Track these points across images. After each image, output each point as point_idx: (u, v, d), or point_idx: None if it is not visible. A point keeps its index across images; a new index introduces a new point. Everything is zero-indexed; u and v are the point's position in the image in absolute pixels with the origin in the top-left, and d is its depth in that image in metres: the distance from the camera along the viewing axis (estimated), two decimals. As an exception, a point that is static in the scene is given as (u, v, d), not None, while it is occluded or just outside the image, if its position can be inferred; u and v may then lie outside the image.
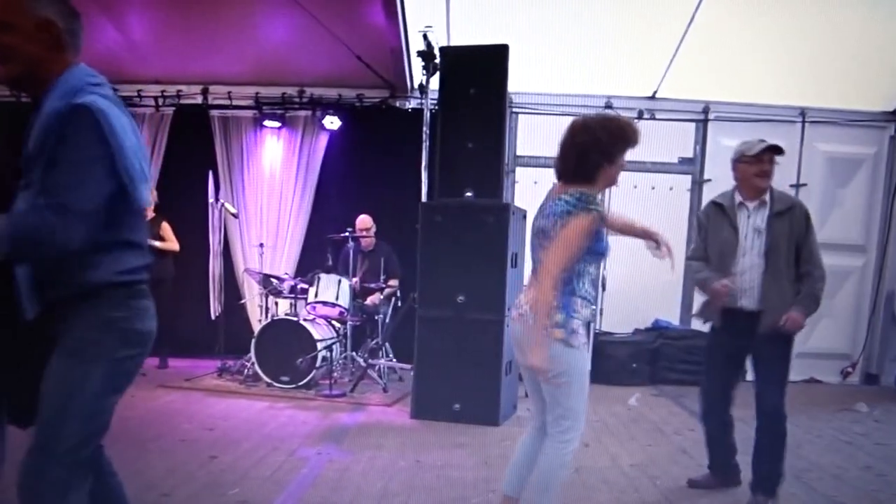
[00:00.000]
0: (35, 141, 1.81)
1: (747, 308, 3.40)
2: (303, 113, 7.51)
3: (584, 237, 2.48)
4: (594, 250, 2.57)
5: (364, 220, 6.79)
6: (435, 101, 5.46)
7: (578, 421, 2.61)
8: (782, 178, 7.39)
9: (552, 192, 2.69)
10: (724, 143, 7.41)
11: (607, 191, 7.18)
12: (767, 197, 3.43)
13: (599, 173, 2.58)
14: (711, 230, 3.57)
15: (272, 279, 6.56)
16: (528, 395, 2.85)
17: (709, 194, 7.45)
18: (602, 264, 2.91)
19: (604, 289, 7.33)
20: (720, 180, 7.40)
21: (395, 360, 6.56)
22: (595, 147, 2.54)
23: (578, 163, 2.57)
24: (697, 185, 7.50)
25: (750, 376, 3.65)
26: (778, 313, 3.30)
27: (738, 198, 3.49)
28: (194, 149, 7.48)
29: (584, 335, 2.58)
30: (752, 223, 3.42)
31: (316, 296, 6.16)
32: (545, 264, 2.52)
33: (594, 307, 2.71)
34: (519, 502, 2.81)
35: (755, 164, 3.40)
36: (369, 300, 6.62)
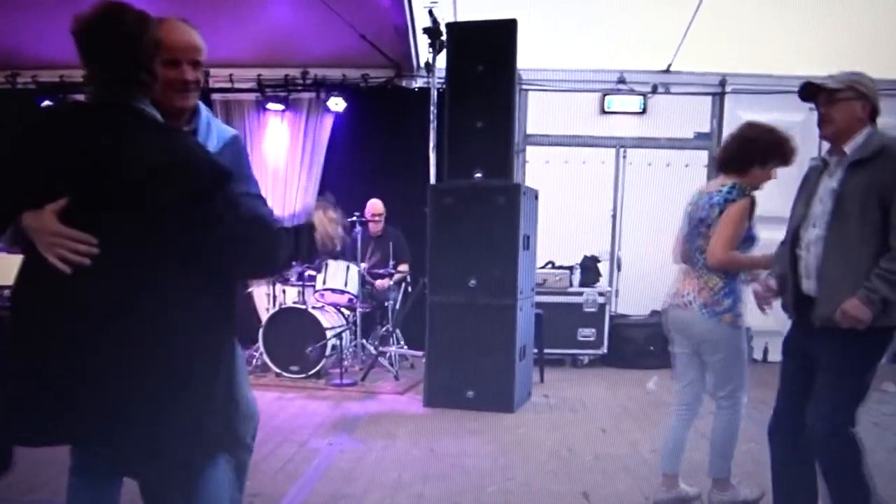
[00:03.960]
0: None
1: (809, 294, 2.61)
2: (307, 95, 7.50)
3: (743, 218, 2.93)
4: (746, 236, 3.00)
5: (375, 205, 6.79)
6: (442, 80, 5.47)
7: (745, 387, 3.11)
8: (805, 153, 7.35)
9: (710, 185, 3.13)
10: (743, 117, 7.32)
11: (621, 167, 7.36)
12: (850, 145, 2.53)
13: (751, 170, 2.98)
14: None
15: (279, 267, 6.57)
16: (679, 376, 3.33)
17: (727, 170, 7.47)
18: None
19: (619, 269, 7.34)
20: (739, 155, 7.42)
21: (406, 347, 6.61)
22: (754, 145, 2.97)
23: (737, 154, 3.00)
24: (714, 161, 7.44)
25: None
26: (836, 301, 2.45)
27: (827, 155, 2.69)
28: (197, 134, 7.47)
29: (746, 315, 3.04)
30: (827, 184, 2.59)
31: (324, 283, 6.21)
32: (711, 248, 2.95)
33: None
34: (678, 477, 3.27)
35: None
36: (378, 285, 6.65)
